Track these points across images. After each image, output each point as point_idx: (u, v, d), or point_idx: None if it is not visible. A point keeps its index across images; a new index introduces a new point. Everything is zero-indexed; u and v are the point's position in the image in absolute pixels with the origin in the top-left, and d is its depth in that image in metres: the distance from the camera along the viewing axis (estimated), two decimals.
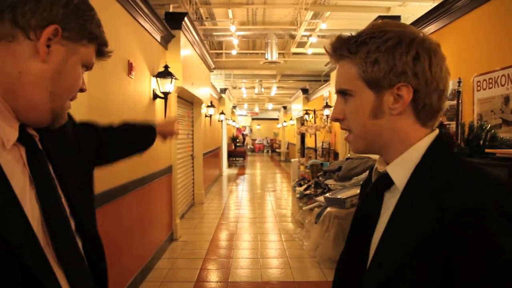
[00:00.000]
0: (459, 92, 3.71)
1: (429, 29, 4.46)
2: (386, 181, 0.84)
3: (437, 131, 0.83)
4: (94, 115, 2.87)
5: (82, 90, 0.86)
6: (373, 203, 0.86)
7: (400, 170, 0.81)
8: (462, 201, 0.68)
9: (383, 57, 0.78)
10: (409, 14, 6.14)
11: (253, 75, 12.83)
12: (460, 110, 3.74)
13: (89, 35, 0.82)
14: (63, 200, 0.85)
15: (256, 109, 24.87)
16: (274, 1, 6.98)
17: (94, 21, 0.83)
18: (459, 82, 3.70)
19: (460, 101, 3.73)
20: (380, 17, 5.46)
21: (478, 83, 3.54)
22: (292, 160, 11.14)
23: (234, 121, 20.80)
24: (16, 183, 0.71)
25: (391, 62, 0.77)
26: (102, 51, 0.89)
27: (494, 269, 0.64)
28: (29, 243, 0.70)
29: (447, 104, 3.98)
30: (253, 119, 29.15)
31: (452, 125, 3.78)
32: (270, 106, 22.77)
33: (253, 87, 15.06)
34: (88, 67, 0.87)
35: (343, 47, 0.82)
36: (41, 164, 0.81)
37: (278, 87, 15.05)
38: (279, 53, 8.51)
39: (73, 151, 0.98)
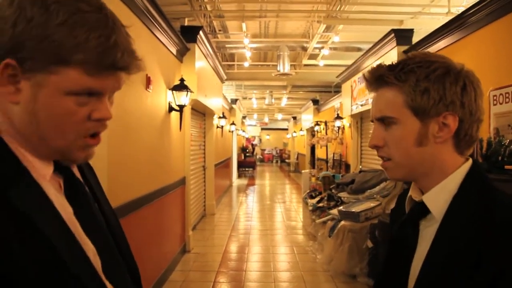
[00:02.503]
0: None
1: (443, 43, 4.47)
2: (421, 210, 0.84)
3: (471, 160, 0.84)
4: (114, 128, 2.92)
5: (98, 120, 0.68)
6: (409, 232, 0.87)
7: (438, 200, 0.82)
8: (505, 227, 0.70)
9: (433, 86, 0.78)
10: (420, 26, 6.15)
11: (264, 86, 12.89)
12: None
13: (54, 58, 0.61)
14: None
15: (266, 119, 24.92)
16: (286, 14, 7.05)
17: (60, 34, 0.60)
18: None
19: None
20: (393, 30, 5.48)
21: (494, 97, 3.53)
22: (303, 171, 11.13)
23: (244, 131, 20.86)
24: (63, 214, 0.67)
25: (441, 91, 0.78)
26: (99, 66, 0.63)
27: None
28: (90, 274, 0.67)
29: None
30: (262, 129, 29.19)
31: None
32: (279, 116, 22.80)
33: (264, 98, 15.11)
34: (91, 93, 0.65)
35: (389, 75, 0.82)
36: (80, 194, 0.75)
37: (288, 98, 15.08)
38: (290, 65, 8.56)
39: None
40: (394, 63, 0.84)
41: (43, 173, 0.67)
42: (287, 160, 25.88)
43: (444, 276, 0.74)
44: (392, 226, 1.01)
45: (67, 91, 0.63)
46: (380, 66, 0.85)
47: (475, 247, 0.71)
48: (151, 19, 3.78)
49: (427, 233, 0.82)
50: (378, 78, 0.84)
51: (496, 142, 2.91)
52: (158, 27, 4.03)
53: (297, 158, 21.09)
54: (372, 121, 0.90)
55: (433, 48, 4.71)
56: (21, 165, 0.64)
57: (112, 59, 0.64)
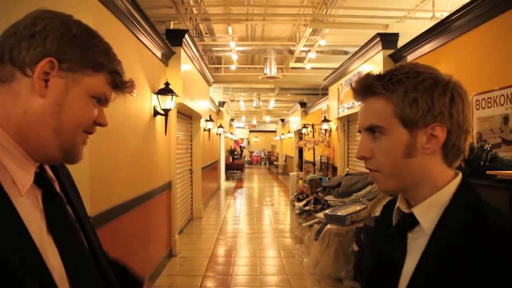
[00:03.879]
0: None
1: (427, 47, 4.52)
2: (409, 222, 0.84)
3: (461, 175, 0.85)
4: (97, 132, 2.87)
5: (100, 124, 0.83)
6: (397, 244, 0.86)
7: (428, 214, 0.81)
8: (501, 232, 0.71)
9: (421, 96, 0.78)
10: (406, 31, 6.21)
11: (252, 89, 12.90)
12: None
13: (93, 64, 0.77)
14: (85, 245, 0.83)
15: (254, 122, 24.94)
16: (273, 18, 7.06)
17: (99, 49, 0.79)
18: None
19: None
20: (378, 34, 5.52)
21: (477, 102, 3.58)
22: (291, 174, 11.15)
23: (232, 133, 20.82)
24: (34, 230, 0.69)
25: (429, 102, 0.78)
26: (116, 81, 0.83)
27: None
28: None
29: None
30: (250, 131, 29.19)
31: None
32: (267, 118, 22.84)
33: (251, 100, 15.13)
34: (101, 99, 0.81)
35: (377, 85, 0.82)
36: (58, 208, 0.78)
37: (276, 100, 15.12)
38: (277, 68, 8.57)
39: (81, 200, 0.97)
40: (381, 73, 0.84)
41: (21, 183, 0.71)
42: (275, 163, 25.91)
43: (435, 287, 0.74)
44: (378, 236, 1.00)
45: (92, 93, 0.79)
46: (368, 75, 0.84)
47: (471, 255, 0.71)
48: (135, 23, 3.74)
49: (415, 245, 0.82)
50: (366, 88, 0.84)
51: (478, 147, 2.94)
52: (142, 31, 3.99)
53: (285, 161, 21.13)
54: (360, 132, 0.88)
55: (417, 53, 4.76)
56: None
57: (122, 79, 0.85)
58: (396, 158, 0.81)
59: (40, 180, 0.76)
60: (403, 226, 0.86)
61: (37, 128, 0.73)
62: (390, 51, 5.34)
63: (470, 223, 0.75)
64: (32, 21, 0.74)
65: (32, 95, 0.72)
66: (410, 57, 4.95)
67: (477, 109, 3.58)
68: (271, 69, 8.13)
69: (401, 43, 5.29)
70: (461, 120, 0.80)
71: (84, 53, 0.76)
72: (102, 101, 0.82)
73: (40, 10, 0.76)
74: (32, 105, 0.73)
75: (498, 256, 0.69)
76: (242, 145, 27.17)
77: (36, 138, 0.73)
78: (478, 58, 3.61)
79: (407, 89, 0.79)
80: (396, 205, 0.91)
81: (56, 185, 0.83)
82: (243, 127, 27.46)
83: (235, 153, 21.15)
